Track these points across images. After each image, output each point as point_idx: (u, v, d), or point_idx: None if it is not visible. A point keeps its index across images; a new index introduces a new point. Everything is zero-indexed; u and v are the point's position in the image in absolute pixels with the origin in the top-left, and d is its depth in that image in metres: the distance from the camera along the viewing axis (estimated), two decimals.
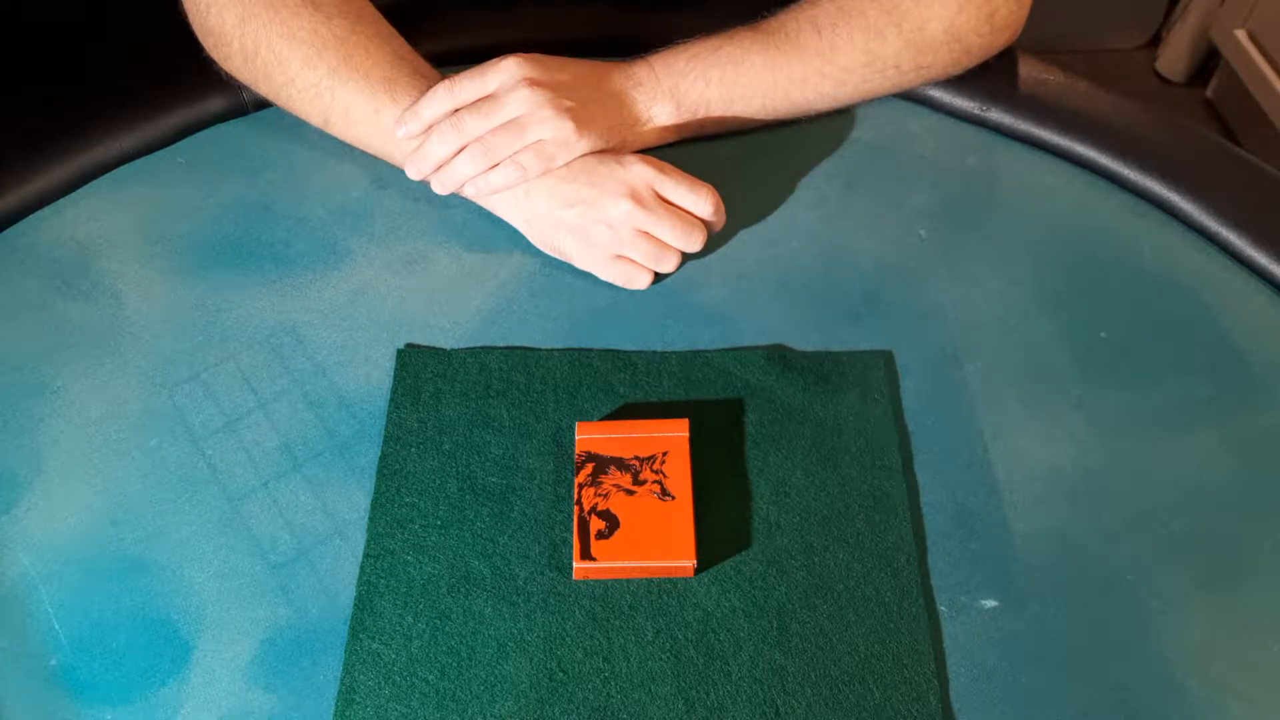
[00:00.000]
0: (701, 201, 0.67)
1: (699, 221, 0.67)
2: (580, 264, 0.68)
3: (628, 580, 0.57)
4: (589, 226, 0.66)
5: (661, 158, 0.68)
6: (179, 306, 0.67)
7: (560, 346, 0.66)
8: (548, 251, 0.69)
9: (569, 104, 0.66)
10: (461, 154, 0.66)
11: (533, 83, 0.66)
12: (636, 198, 0.66)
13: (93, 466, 0.61)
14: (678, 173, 0.67)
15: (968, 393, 0.64)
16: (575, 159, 0.67)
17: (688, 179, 0.67)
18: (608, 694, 0.53)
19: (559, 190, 0.67)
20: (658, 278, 0.69)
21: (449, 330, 0.67)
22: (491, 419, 0.62)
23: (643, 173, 0.66)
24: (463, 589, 0.56)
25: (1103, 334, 0.67)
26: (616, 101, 0.69)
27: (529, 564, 0.57)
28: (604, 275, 0.68)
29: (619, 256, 0.67)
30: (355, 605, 0.56)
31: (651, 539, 0.56)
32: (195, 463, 0.61)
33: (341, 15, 0.69)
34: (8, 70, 0.90)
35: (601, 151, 0.68)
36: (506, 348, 0.66)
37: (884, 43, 0.71)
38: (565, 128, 0.65)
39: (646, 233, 0.67)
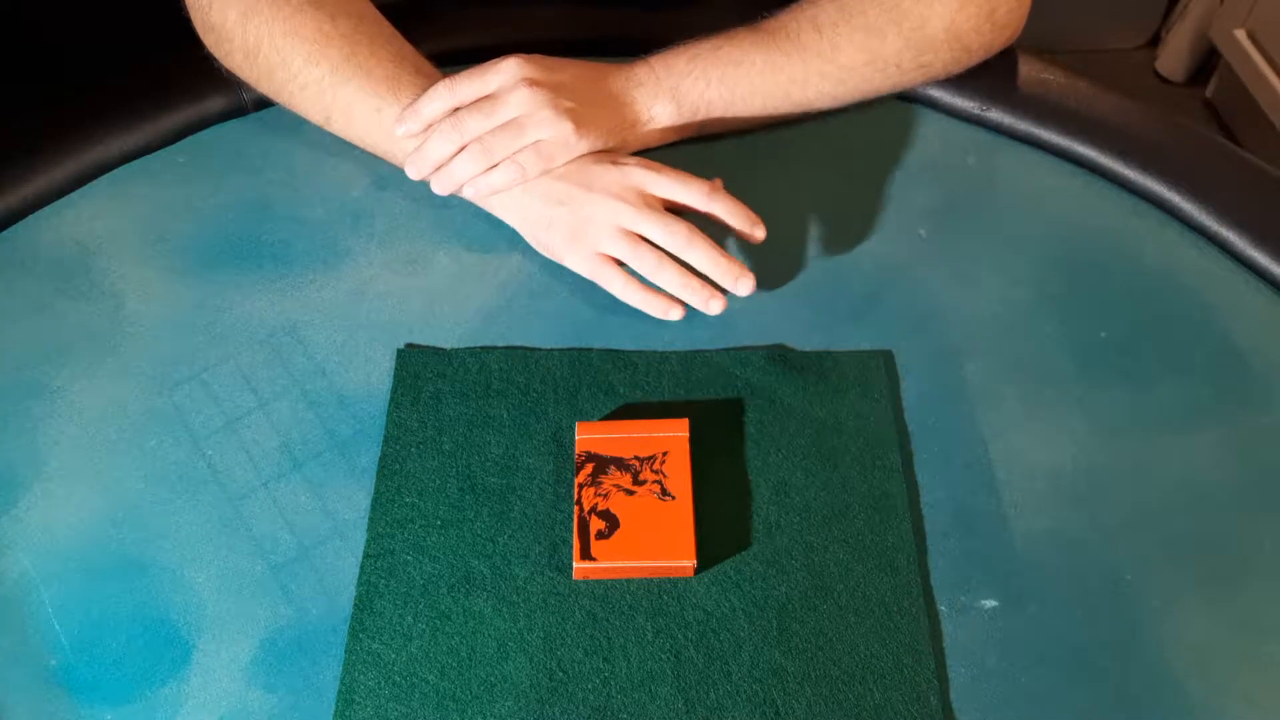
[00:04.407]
0: (690, 193, 0.66)
1: (682, 220, 0.66)
2: (567, 262, 0.67)
3: (628, 580, 0.57)
4: (577, 224, 0.66)
5: (662, 157, 0.68)
6: (179, 306, 0.67)
7: (560, 346, 0.66)
8: (541, 251, 0.69)
9: (569, 104, 0.66)
10: (461, 154, 0.66)
11: (532, 83, 0.66)
12: (624, 197, 0.65)
13: (93, 466, 0.61)
14: (672, 173, 0.67)
15: (968, 393, 0.64)
16: (573, 159, 0.67)
17: (680, 177, 0.66)
18: (608, 694, 0.53)
19: (551, 189, 0.67)
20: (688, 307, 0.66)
21: (449, 330, 0.67)
22: (491, 419, 0.62)
23: (635, 174, 0.66)
24: (463, 589, 0.56)
25: (1103, 334, 0.67)
26: (616, 102, 0.69)
27: (529, 564, 0.57)
28: (586, 273, 0.67)
29: (603, 256, 0.67)
30: (355, 605, 0.56)
31: (651, 539, 0.56)
32: (195, 463, 0.61)
33: (344, 14, 0.69)
34: (8, 70, 0.90)
35: (601, 152, 0.68)
36: (506, 348, 0.66)
37: (884, 41, 0.71)
38: (564, 128, 0.65)
39: (634, 233, 0.66)
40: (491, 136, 0.66)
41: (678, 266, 0.65)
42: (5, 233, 0.71)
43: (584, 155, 0.67)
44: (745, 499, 0.60)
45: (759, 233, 0.67)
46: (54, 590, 0.56)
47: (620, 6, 0.81)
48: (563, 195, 0.66)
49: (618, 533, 0.57)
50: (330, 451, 0.62)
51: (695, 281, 0.65)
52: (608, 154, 0.68)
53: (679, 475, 0.58)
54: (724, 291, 0.65)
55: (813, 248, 0.71)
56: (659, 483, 0.58)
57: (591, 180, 0.66)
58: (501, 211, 0.69)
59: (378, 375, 0.65)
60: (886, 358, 0.65)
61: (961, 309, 0.68)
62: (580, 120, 0.66)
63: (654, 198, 0.67)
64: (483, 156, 0.66)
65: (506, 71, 0.66)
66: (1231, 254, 0.70)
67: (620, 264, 0.67)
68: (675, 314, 0.66)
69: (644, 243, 0.66)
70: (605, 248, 0.66)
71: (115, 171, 0.73)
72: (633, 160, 0.67)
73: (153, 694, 0.53)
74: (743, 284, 0.64)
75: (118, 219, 0.71)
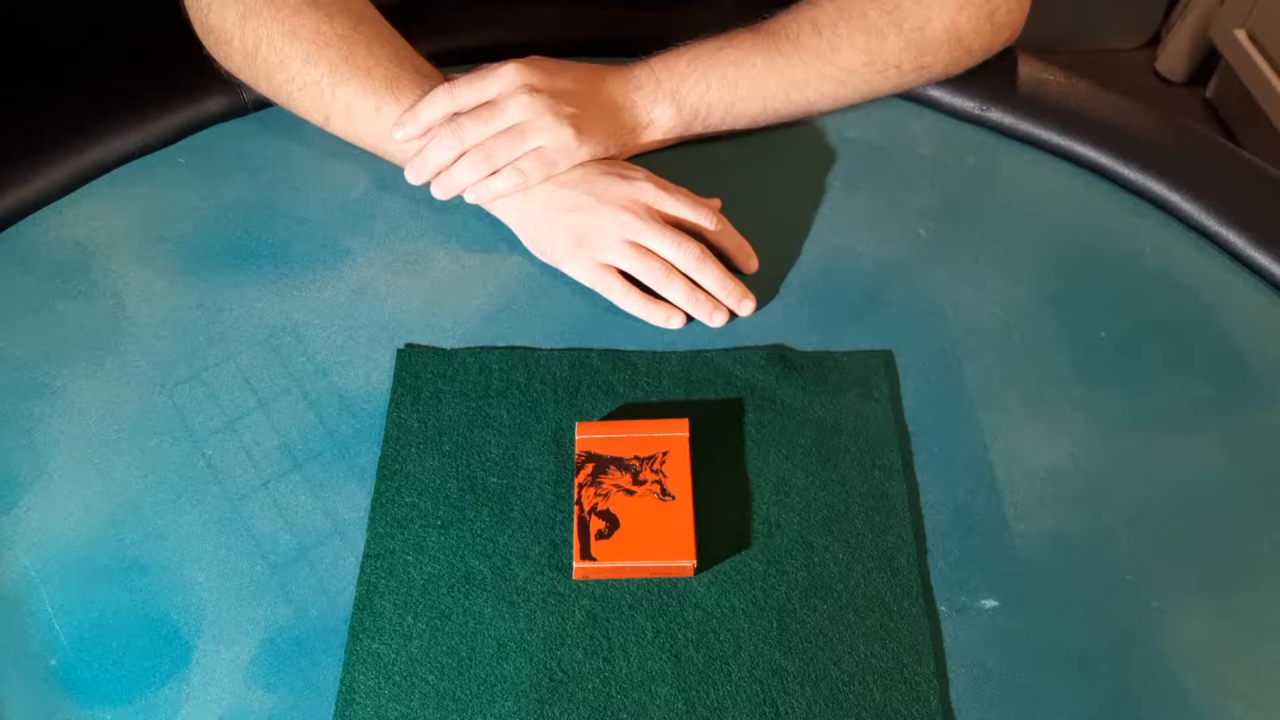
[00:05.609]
0: (701, 216, 0.67)
1: (694, 240, 0.67)
2: (565, 268, 0.68)
3: (628, 580, 0.57)
4: (583, 232, 0.66)
5: (662, 155, 0.68)
6: (179, 306, 0.67)
7: (560, 346, 0.66)
8: (537, 254, 0.69)
9: (569, 110, 0.66)
10: (461, 160, 0.66)
11: (532, 89, 0.66)
12: (633, 210, 0.66)
13: (93, 466, 0.61)
14: (682, 193, 0.68)
15: (968, 393, 0.64)
16: (578, 166, 0.67)
17: (691, 198, 0.67)
18: (608, 694, 0.53)
19: (558, 195, 0.67)
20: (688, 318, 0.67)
21: (449, 330, 0.67)
22: (491, 419, 0.62)
23: (645, 189, 0.66)
24: (463, 589, 0.56)
25: (1103, 334, 0.67)
26: (616, 106, 0.69)
27: (529, 564, 0.57)
28: (586, 280, 0.67)
29: (604, 265, 0.67)
30: (355, 605, 0.56)
31: (651, 539, 0.56)
32: (195, 463, 0.61)
33: (343, 13, 0.69)
34: (8, 70, 0.90)
35: (606, 161, 0.68)
36: (506, 348, 0.66)
37: (884, 43, 0.71)
38: (565, 134, 0.65)
39: (639, 245, 0.66)
40: (493, 142, 0.66)
41: (685, 279, 0.66)
42: (5, 233, 0.71)
43: (590, 164, 0.67)
44: (745, 499, 0.60)
45: (753, 265, 0.69)
46: (54, 590, 0.56)
47: (620, 6, 0.81)
48: (570, 203, 0.66)
49: (618, 533, 0.57)
50: (330, 451, 0.62)
51: (701, 294, 0.66)
52: (615, 165, 0.68)
53: (679, 475, 0.58)
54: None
55: (813, 248, 0.71)
56: (659, 483, 0.58)
57: (601, 191, 0.66)
58: (503, 214, 0.69)
59: (378, 375, 0.65)
60: (886, 358, 0.65)
61: (961, 309, 0.68)
62: (581, 126, 0.66)
63: (660, 213, 0.67)
64: (483, 163, 0.66)
65: (506, 77, 0.66)
66: (1231, 254, 0.70)
67: (619, 272, 0.67)
68: (676, 322, 0.67)
69: (652, 255, 0.66)
70: (608, 258, 0.66)
71: (115, 171, 0.73)
72: (641, 174, 0.68)
73: (153, 694, 0.53)
74: (745, 305, 0.67)
75: (118, 219, 0.71)
